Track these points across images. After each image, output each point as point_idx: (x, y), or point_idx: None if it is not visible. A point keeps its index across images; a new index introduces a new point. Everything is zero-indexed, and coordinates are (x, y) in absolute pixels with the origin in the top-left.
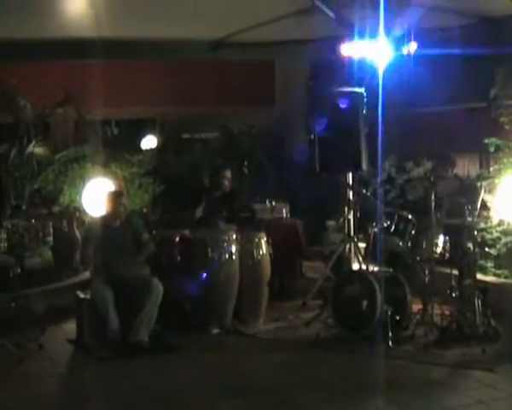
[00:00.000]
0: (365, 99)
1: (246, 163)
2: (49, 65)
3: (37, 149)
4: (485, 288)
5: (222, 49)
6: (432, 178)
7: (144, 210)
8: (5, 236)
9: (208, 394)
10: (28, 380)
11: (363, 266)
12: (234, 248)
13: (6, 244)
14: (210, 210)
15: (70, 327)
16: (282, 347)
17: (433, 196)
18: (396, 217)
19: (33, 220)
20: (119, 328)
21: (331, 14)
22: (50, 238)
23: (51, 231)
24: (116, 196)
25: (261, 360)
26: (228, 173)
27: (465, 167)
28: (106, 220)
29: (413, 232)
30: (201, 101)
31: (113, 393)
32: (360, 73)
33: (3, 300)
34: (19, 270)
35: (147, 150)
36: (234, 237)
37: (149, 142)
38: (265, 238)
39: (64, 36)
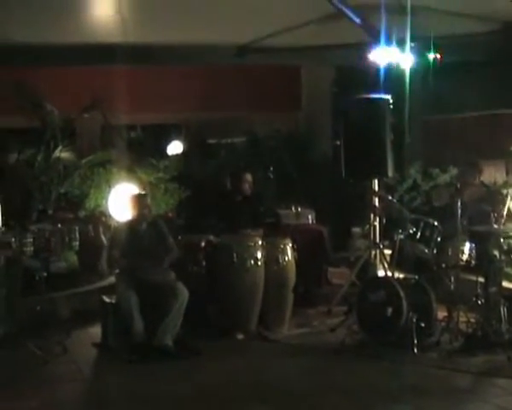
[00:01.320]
0: (391, 105)
1: (271, 168)
2: (76, 70)
3: (63, 153)
4: (510, 295)
5: (248, 55)
6: (458, 185)
7: (170, 215)
8: (31, 240)
9: (232, 399)
10: (53, 383)
11: (389, 273)
12: (259, 254)
13: (32, 248)
14: (232, 214)
15: (95, 331)
16: (306, 353)
17: (459, 203)
18: (422, 224)
19: (59, 225)
20: (144, 332)
21: (357, 21)
22: (76, 243)
23: (77, 235)
24: (140, 198)
25: (286, 366)
26: (248, 177)
27: (491, 175)
28: (131, 224)
29: (439, 239)
30: (227, 106)
31: (137, 397)
32: (386, 79)
33: (29, 303)
34: (44, 274)
35: (172, 155)
36: (259, 242)
37: (175, 147)
38: (291, 244)
39: (91, 41)
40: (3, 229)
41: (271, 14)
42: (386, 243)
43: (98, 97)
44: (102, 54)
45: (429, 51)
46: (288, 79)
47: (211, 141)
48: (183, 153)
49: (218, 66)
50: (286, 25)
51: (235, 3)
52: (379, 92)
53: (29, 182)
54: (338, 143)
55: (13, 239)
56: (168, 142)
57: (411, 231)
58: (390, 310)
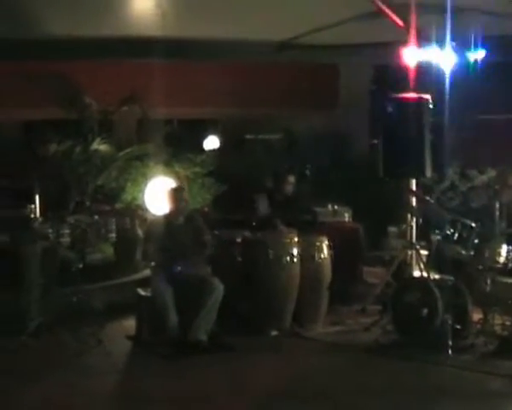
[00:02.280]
0: (430, 105)
1: (308, 165)
2: (114, 63)
3: (101, 146)
4: None
5: (286, 51)
6: (496, 187)
7: (205, 210)
8: (68, 231)
9: (265, 395)
10: (86, 375)
11: (425, 274)
12: (295, 251)
13: (69, 239)
14: (271, 213)
15: (129, 324)
16: (340, 351)
17: (497, 205)
18: (459, 225)
19: (96, 217)
20: (178, 326)
21: (398, 19)
22: (112, 235)
23: (114, 227)
24: (177, 192)
25: (319, 364)
26: (292, 178)
27: None
28: (168, 218)
29: (476, 241)
30: (265, 102)
31: (170, 391)
32: (425, 79)
33: (65, 294)
34: (80, 265)
35: (209, 150)
36: (295, 239)
37: (211, 142)
38: (327, 242)
39: (130, 34)
40: (41, 220)
41: (311, 11)
42: (423, 243)
43: (136, 91)
44: (141, 47)
45: (470, 51)
46: (326, 76)
47: (247, 137)
48: (220, 148)
49: (257, 62)
50: (325, 22)
51: (276, 0)
52: (418, 91)
53: (66, 173)
54: (375, 141)
55: (50, 230)
56: (204, 137)
57: (448, 232)
58: (425, 311)
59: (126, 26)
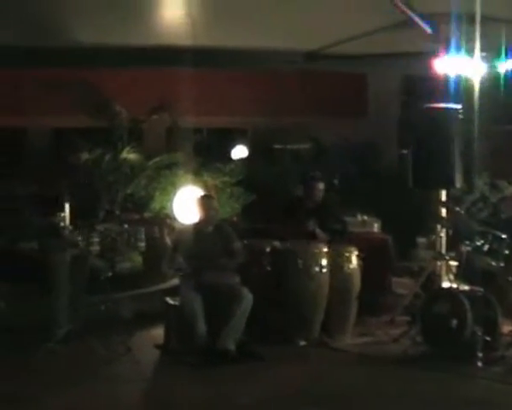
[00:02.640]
0: (460, 115)
1: (336, 175)
2: (145, 71)
3: (130, 154)
4: None
5: (315, 61)
6: None
7: (234, 219)
8: (98, 239)
9: (293, 406)
10: (114, 383)
11: (454, 285)
12: (324, 261)
13: (98, 248)
14: (301, 221)
15: (158, 332)
16: (368, 362)
17: None
18: (490, 236)
19: (125, 225)
20: (207, 335)
21: (427, 29)
22: (142, 244)
23: (143, 236)
24: (207, 200)
25: (347, 375)
26: (321, 185)
27: None
28: (198, 226)
29: (506, 252)
30: (293, 112)
31: (197, 401)
32: (455, 88)
33: (93, 302)
34: (109, 274)
35: (237, 159)
36: (324, 249)
37: (239, 151)
38: (356, 252)
39: (160, 43)
40: (71, 228)
41: (340, 20)
42: (452, 254)
43: (166, 99)
44: (171, 56)
45: (499, 61)
46: (355, 86)
47: (276, 146)
48: (248, 157)
49: (286, 71)
50: (354, 32)
51: (305, 9)
52: (448, 102)
53: (95, 182)
54: (405, 151)
55: (79, 238)
56: (232, 146)
57: (478, 243)
58: (455, 322)
59: (156, 34)
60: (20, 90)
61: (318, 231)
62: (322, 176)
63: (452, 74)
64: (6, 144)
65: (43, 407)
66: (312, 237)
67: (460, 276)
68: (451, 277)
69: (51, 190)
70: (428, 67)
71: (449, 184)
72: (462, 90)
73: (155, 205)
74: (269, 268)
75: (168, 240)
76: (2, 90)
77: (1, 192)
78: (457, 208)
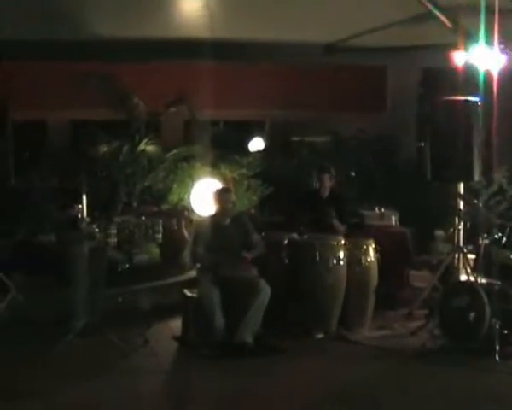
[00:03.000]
0: (479, 108)
1: (354, 168)
2: (163, 64)
3: (148, 146)
4: None
5: (334, 54)
6: None
7: (252, 211)
8: (115, 231)
9: (310, 399)
10: (132, 375)
11: (472, 278)
12: (342, 254)
13: (116, 240)
14: (319, 211)
15: (175, 324)
16: (386, 355)
17: None
18: (508, 229)
19: (143, 217)
20: (225, 328)
21: (446, 22)
22: (159, 236)
23: (160, 228)
24: (224, 193)
25: (365, 368)
26: (327, 176)
27: None
28: (215, 219)
29: None
30: (311, 105)
31: (215, 393)
32: (474, 81)
33: (111, 294)
34: (127, 266)
35: (254, 152)
36: (342, 242)
37: (257, 144)
38: (374, 245)
39: (178, 36)
40: (88, 220)
41: (359, 13)
42: (470, 247)
43: (184, 92)
44: (189, 49)
45: None
46: (373, 79)
47: (294, 139)
48: (266, 150)
49: (304, 64)
50: (373, 25)
51: (323, 2)
52: (467, 94)
53: (114, 174)
54: (422, 144)
55: (97, 230)
56: (250, 138)
57: (496, 236)
58: (472, 315)
59: (174, 27)
60: (40, 83)
61: (336, 222)
62: (338, 169)
63: (471, 67)
64: (25, 137)
65: (60, 400)
66: (330, 229)
67: (478, 269)
68: (469, 270)
69: (70, 183)
70: (447, 60)
71: (467, 177)
72: (481, 82)
73: (173, 197)
74: (286, 261)
75: (186, 232)
76: (22, 83)
77: (20, 185)
78: (475, 201)
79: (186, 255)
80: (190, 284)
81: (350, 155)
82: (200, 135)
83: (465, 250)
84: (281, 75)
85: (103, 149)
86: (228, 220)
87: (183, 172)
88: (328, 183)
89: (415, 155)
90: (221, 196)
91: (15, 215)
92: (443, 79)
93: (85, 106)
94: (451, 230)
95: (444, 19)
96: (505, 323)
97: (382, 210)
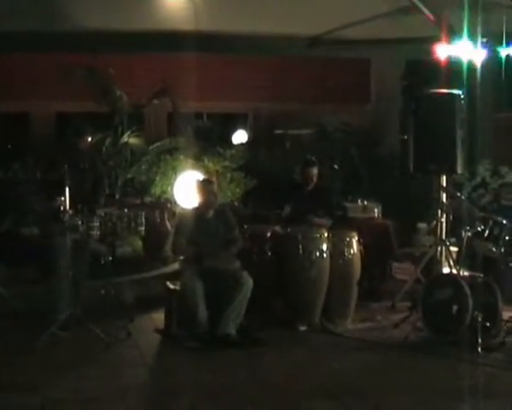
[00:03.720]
0: (462, 101)
1: (338, 161)
2: (146, 56)
3: (131, 139)
4: None
5: (318, 47)
6: None
7: (235, 204)
8: (98, 224)
9: (293, 391)
10: (115, 367)
11: (455, 271)
12: (325, 246)
13: (99, 232)
14: (300, 205)
15: (158, 317)
16: (369, 347)
17: None
18: (490, 222)
19: (126, 210)
20: (207, 320)
21: (430, 15)
22: (142, 228)
23: (143, 221)
24: (206, 185)
25: (348, 361)
26: (314, 170)
27: None
28: (198, 211)
29: (507, 238)
30: (295, 97)
31: (198, 385)
32: (457, 74)
33: (94, 287)
34: (110, 258)
35: (238, 145)
36: (325, 234)
37: (240, 136)
38: (357, 237)
39: (162, 28)
40: (71, 212)
41: (343, 6)
42: (453, 240)
43: (167, 84)
44: (173, 41)
45: (501, 46)
46: (357, 71)
47: (277, 131)
48: (249, 142)
49: (288, 57)
50: (357, 18)
51: None
52: (449, 87)
53: (99, 166)
54: (405, 137)
55: (80, 223)
56: (233, 131)
57: (479, 229)
58: (455, 308)
59: (158, 19)
60: (23, 74)
61: (318, 220)
62: (322, 161)
63: (454, 60)
64: (8, 129)
65: (43, 393)
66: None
67: (461, 262)
68: (452, 263)
69: (52, 175)
70: (431, 53)
71: (450, 170)
72: (464, 75)
73: (156, 190)
74: (269, 253)
75: (168, 225)
76: (5, 74)
77: (2, 177)
78: (458, 194)
79: (168, 247)
80: (173, 276)
81: (334, 147)
82: (183, 127)
83: (448, 243)
84: (265, 67)
85: (88, 140)
86: (211, 213)
87: (166, 164)
88: (314, 177)
89: (398, 147)
90: (203, 187)
91: None
92: (426, 72)
93: (69, 98)
94: (434, 222)
95: (427, 12)
96: (487, 315)
97: (365, 202)
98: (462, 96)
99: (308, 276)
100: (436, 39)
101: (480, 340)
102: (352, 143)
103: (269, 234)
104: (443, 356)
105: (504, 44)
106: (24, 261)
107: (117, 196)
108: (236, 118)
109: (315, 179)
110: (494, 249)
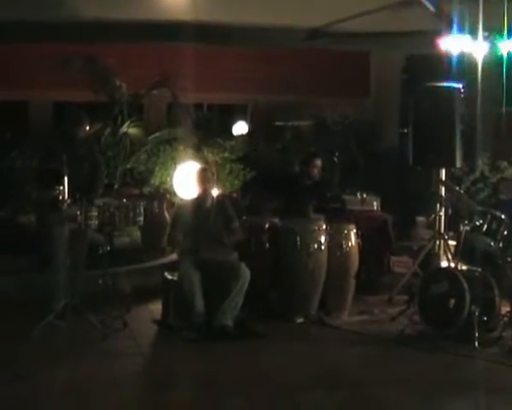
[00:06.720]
0: (462, 95)
1: (337, 153)
2: (145, 47)
3: (130, 129)
4: None
5: (318, 39)
6: None
7: (234, 195)
8: (96, 213)
9: (289, 383)
10: (111, 357)
11: (453, 264)
12: (323, 239)
13: (97, 222)
14: (299, 198)
15: (155, 308)
16: (366, 340)
17: None
18: (489, 216)
19: (124, 200)
20: (205, 311)
21: (431, 8)
22: (141, 218)
23: (142, 211)
24: (203, 173)
25: (345, 353)
26: (318, 162)
27: None
28: (197, 202)
29: (505, 233)
30: (295, 89)
31: (195, 376)
32: (458, 68)
33: (91, 277)
34: (108, 248)
35: (237, 136)
36: (323, 227)
37: (240, 128)
38: (355, 230)
39: (161, 18)
40: (69, 201)
41: None
42: (451, 233)
43: (167, 75)
44: (172, 32)
45: (502, 41)
46: (357, 64)
47: (277, 123)
48: (249, 134)
49: (288, 48)
50: (357, 10)
51: None
52: (450, 81)
53: (97, 156)
54: (405, 130)
55: (78, 212)
56: (233, 122)
57: (477, 223)
58: (452, 302)
59: (158, 9)
60: (22, 64)
61: (314, 216)
62: (321, 153)
63: (455, 54)
64: (7, 118)
65: (39, 382)
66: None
67: (458, 256)
68: (450, 256)
69: (50, 164)
70: (431, 46)
71: (449, 164)
72: (464, 69)
73: (155, 180)
74: (267, 245)
75: (167, 215)
76: (4, 64)
77: (1, 165)
78: (457, 188)
79: (165, 238)
80: (171, 267)
81: (333, 139)
82: (182, 118)
83: (446, 237)
84: (265, 59)
85: (86, 129)
86: (209, 203)
87: (165, 154)
88: (316, 169)
89: (397, 140)
90: (202, 175)
91: None
92: (426, 66)
93: (68, 87)
94: (433, 216)
95: (428, 5)
96: (485, 310)
97: (364, 195)
98: (462, 90)
99: (306, 268)
100: (437, 32)
101: (476, 334)
102: (352, 135)
103: (267, 226)
104: (440, 350)
105: (505, 38)
106: (21, 250)
107: (116, 187)
108: (236, 109)
109: (317, 172)
110: (492, 244)
